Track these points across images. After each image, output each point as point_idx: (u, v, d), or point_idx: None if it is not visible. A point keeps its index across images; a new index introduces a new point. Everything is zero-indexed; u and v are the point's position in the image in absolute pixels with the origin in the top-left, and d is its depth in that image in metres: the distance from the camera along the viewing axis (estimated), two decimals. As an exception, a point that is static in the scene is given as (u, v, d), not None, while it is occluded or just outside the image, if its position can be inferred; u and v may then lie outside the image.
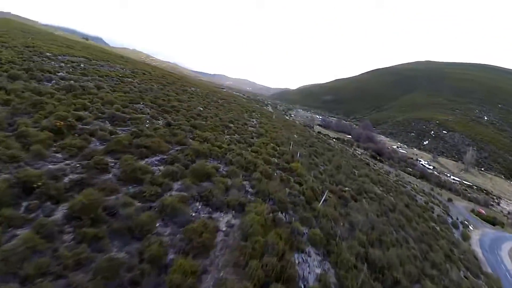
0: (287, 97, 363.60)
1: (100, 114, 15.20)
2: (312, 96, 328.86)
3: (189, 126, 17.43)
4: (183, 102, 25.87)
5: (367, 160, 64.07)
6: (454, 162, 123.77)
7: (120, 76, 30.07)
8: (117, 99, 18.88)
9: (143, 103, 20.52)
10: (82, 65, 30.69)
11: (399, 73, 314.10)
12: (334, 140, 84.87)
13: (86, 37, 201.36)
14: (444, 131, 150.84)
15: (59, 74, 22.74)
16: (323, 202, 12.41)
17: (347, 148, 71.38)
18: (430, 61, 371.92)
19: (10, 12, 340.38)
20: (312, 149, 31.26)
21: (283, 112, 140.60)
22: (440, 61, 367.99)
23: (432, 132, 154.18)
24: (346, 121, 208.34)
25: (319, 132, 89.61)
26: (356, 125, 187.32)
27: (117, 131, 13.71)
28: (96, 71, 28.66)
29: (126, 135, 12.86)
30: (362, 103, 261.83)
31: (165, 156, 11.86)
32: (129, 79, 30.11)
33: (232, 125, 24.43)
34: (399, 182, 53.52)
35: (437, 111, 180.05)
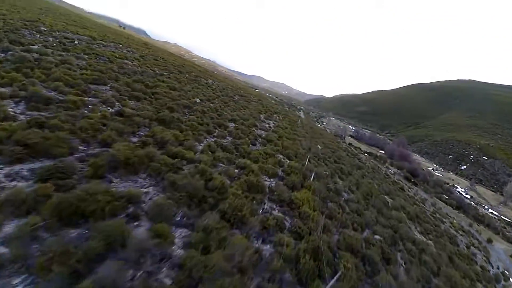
0: (321, 105, 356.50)
1: (20, 92, 10.46)
2: (347, 106, 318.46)
3: (153, 119, 12.06)
4: (177, 90, 20.72)
5: (401, 183, 55.45)
6: (493, 192, 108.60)
7: (116, 57, 25.73)
8: (74, 77, 14.09)
9: (111, 85, 15.59)
10: (76, 42, 26.83)
11: (439, 90, 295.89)
12: (365, 154, 76.29)
13: (124, 26, 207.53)
14: (484, 157, 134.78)
15: (32, 46, 18.71)
16: (333, 284, 6.37)
17: (379, 166, 62.85)
18: (472, 80, 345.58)
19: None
20: (337, 166, 24.64)
21: (315, 119, 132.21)
22: (483, 81, 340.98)
23: (472, 156, 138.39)
24: (380, 135, 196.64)
25: (350, 144, 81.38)
26: (390, 140, 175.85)
27: (22, 117, 8.77)
28: (88, 49, 24.56)
29: (19, 124, 7.77)
30: (399, 118, 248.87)
31: (48, 163, 6.54)
32: (126, 61, 25.66)
33: (232, 124, 18.87)
34: (437, 214, 44.91)
35: (478, 134, 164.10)
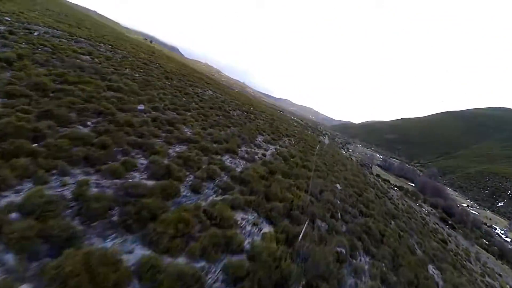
0: (348, 131, 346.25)
1: None
2: (374, 133, 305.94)
3: None
4: (121, 92, 14.21)
5: (439, 229, 45.35)
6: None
7: (77, 52, 20.14)
8: None
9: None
10: (35, 33, 21.91)
11: (471, 118, 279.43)
12: (395, 189, 66.35)
13: (151, 40, 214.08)
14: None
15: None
16: None
17: (413, 206, 52.96)
18: (506, 108, 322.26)
19: (96, 11, 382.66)
20: (363, 222, 15.55)
21: (340, 145, 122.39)
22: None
23: (509, 192, 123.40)
24: (409, 164, 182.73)
25: (377, 176, 71.82)
26: (421, 171, 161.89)
27: None
28: (41, 40, 19.48)
29: None
30: (429, 147, 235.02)
31: None
32: (84, 57, 19.90)
33: (183, 147, 11.62)
34: (486, 277, 34.47)
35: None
